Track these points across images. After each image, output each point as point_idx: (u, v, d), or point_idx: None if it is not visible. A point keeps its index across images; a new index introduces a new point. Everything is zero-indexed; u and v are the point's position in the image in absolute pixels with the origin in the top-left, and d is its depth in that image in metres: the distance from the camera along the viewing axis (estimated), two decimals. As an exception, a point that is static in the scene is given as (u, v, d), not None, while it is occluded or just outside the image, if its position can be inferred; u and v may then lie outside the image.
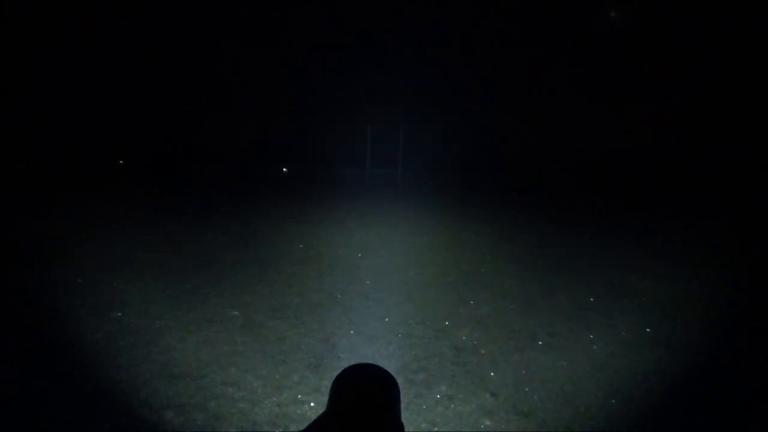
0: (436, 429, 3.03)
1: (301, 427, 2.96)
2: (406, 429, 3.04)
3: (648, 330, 4.70)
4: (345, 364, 3.83)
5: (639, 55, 17.80)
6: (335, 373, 3.51)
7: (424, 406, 3.27)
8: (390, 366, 3.83)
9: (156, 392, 3.32)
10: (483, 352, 4.17)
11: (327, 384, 3.48)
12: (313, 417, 3.08)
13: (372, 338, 4.37)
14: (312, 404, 3.24)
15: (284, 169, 18.34)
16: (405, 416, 3.11)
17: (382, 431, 1.05)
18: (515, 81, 18.77)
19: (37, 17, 16.93)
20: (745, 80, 16.12)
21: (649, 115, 17.81)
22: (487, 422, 3.13)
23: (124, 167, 18.20)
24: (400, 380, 3.58)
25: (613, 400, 3.41)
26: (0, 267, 6.22)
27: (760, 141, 15.58)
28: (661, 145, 17.55)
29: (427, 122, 18.21)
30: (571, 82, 18.66)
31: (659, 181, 16.28)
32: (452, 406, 3.31)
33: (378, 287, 5.79)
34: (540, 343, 4.37)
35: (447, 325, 4.71)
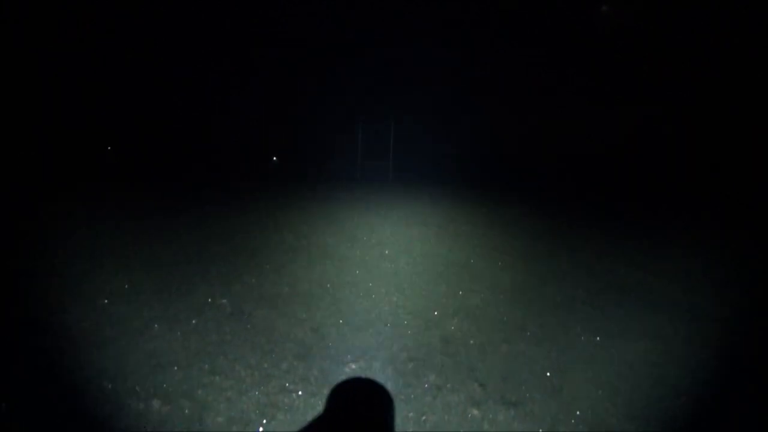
0: (423, 418, 3.04)
1: (289, 418, 2.93)
2: (394, 417, 3.03)
3: (636, 322, 4.74)
4: (334, 353, 3.84)
5: (638, 54, 17.88)
6: (323, 363, 3.48)
7: (413, 396, 3.28)
8: (379, 356, 3.84)
9: (143, 381, 3.29)
10: (472, 342, 4.18)
11: (315, 373, 3.48)
12: (301, 406, 3.07)
13: (361, 328, 4.37)
14: (300, 393, 3.23)
15: (274, 159, 18.26)
16: (394, 405, 3.12)
17: None
18: (510, 75, 18.79)
19: (38, 12, 16.75)
20: (743, 80, 16.25)
21: (648, 113, 17.94)
22: (475, 412, 3.14)
23: (113, 155, 18.02)
24: (388, 370, 3.59)
25: (600, 392, 3.44)
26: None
27: (759, 139, 15.75)
28: (657, 143, 17.69)
29: (420, 115, 18.22)
30: (568, 77, 18.72)
31: (653, 177, 16.41)
32: (440, 395, 3.32)
33: (367, 277, 5.79)
34: (528, 334, 4.40)
35: (436, 316, 4.72)
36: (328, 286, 5.44)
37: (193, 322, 4.33)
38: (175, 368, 3.49)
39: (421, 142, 18.03)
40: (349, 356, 3.81)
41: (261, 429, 2.89)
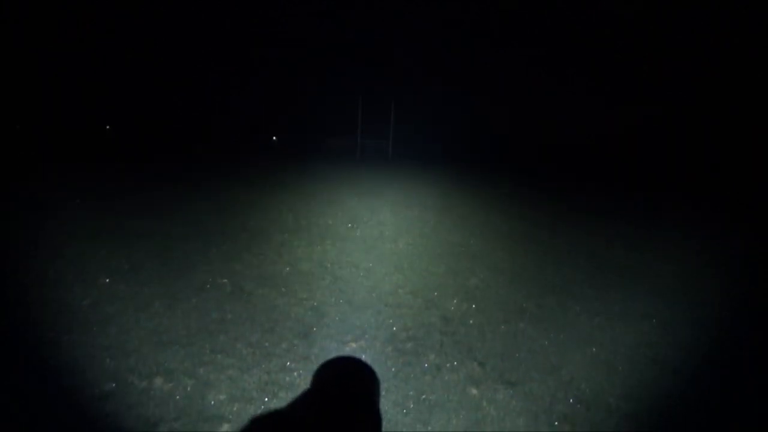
0: (423, 396, 3.07)
1: (290, 396, 2.96)
2: (393, 396, 3.06)
3: (633, 304, 4.77)
4: (334, 333, 3.86)
5: (638, 54, 17.95)
6: (324, 342, 3.50)
7: (413, 375, 3.31)
8: (379, 335, 3.86)
9: (145, 359, 3.31)
10: (471, 322, 4.21)
11: (316, 352, 3.50)
12: (302, 385, 3.10)
13: (361, 308, 4.39)
14: (301, 372, 3.25)
15: (274, 138, 18.18)
16: (393, 384, 3.15)
17: (360, 419, 1.07)
18: (510, 71, 18.83)
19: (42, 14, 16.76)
20: (743, 80, 16.27)
21: (647, 111, 18.02)
22: (474, 391, 3.17)
23: (112, 133, 17.95)
24: (389, 349, 3.62)
25: (598, 371, 3.47)
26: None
27: (755, 137, 15.83)
28: (656, 139, 17.79)
29: (420, 98, 18.18)
30: (568, 75, 18.80)
31: (652, 170, 16.47)
32: (440, 374, 3.35)
33: (368, 257, 5.80)
34: (527, 314, 4.42)
35: (436, 296, 4.74)
36: (329, 265, 5.45)
37: (194, 300, 4.34)
38: (177, 346, 3.51)
39: (420, 126, 18.00)
40: (349, 335, 3.84)
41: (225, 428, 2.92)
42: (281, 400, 2.96)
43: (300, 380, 3.16)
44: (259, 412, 2.83)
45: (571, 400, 3.11)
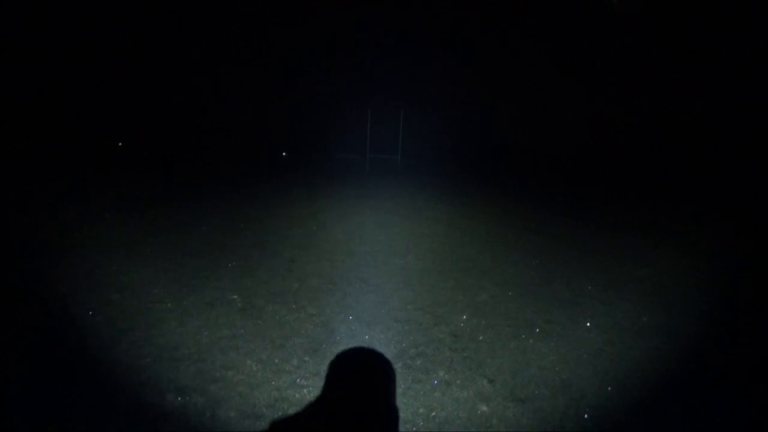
0: (433, 414, 3.07)
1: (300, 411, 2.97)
2: (403, 414, 3.07)
3: (644, 318, 4.74)
4: (344, 349, 3.87)
5: (638, 53, 17.86)
6: (334, 358, 3.50)
7: (422, 391, 3.31)
8: (388, 351, 3.86)
9: (157, 375, 3.35)
10: (481, 338, 4.20)
11: (326, 369, 3.51)
12: (312, 401, 3.11)
13: (370, 324, 4.40)
14: (311, 388, 3.27)
15: (283, 154, 18.32)
16: (403, 401, 3.15)
17: (376, 413, 1.07)
18: (512, 73, 18.83)
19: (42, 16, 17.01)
20: (743, 80, 16.17)
21: (650, 115, 17.92)
22: (484, 408, 3.17)
23: (124, 149, 18.18)
24: (398, 365, 3.62)
25: (609, 388, 3.45)
26: None
27: (753, 137, 15.69)
28: (662, 144, 17.66)
29: (426, 110, 18.22)
30: (568, 77, 18.72)
31: (658, 178, 16.37)
32: (450, 391, 3.34)
33: (377, 273, 5.81)
34: (537, 330, 4.40)
35: (445, 312, 4.74)
36: (338, 281, 5.48)
37: (205, 316, 4.38)
38: (188, 362, 3.54)
39: (428, 134, 18.04)
40: (358, 352, 3.84)
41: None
42: (291, 416, 2.97)
43: (310, 397, 3.18)
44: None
45: (581, 418, 3.09)
